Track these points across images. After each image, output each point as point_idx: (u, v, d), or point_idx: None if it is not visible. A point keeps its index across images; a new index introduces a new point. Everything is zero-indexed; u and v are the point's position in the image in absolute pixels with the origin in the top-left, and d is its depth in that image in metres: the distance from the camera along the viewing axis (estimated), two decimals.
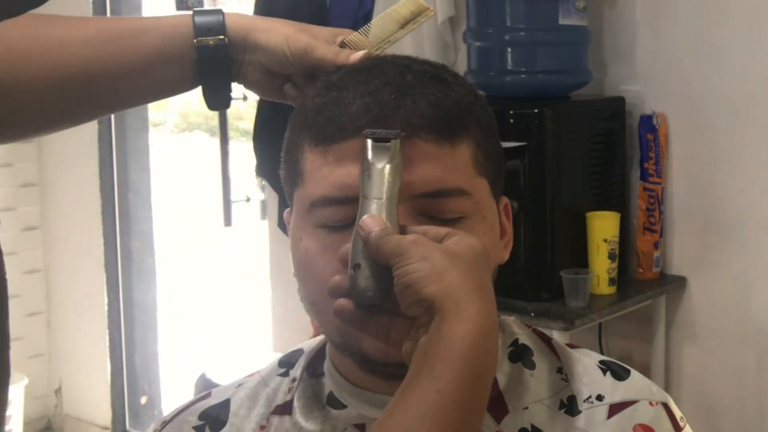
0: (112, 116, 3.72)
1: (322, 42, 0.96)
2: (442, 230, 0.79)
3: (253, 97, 3.14)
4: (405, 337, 0.76)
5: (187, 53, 0.96)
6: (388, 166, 0.80)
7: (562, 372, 0.94)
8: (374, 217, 0.78)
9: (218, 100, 1.00)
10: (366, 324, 0.78)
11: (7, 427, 3.67)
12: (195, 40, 0.95)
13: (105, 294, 3.83)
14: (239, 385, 1.00)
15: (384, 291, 0.76)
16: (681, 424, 0.94)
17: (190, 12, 0.97)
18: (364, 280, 0.76)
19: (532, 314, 2.22)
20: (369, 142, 0.81)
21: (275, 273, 3.34)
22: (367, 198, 0.79)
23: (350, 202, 0.82)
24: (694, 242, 2.50)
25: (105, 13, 3.72)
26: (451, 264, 0.74)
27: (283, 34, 0.98)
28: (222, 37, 0.96)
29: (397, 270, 0.74)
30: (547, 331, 1.01)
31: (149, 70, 0.97)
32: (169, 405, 3.87)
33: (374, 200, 0.79)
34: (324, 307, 0.82)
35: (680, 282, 2.51)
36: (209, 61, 0.96)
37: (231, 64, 0.97)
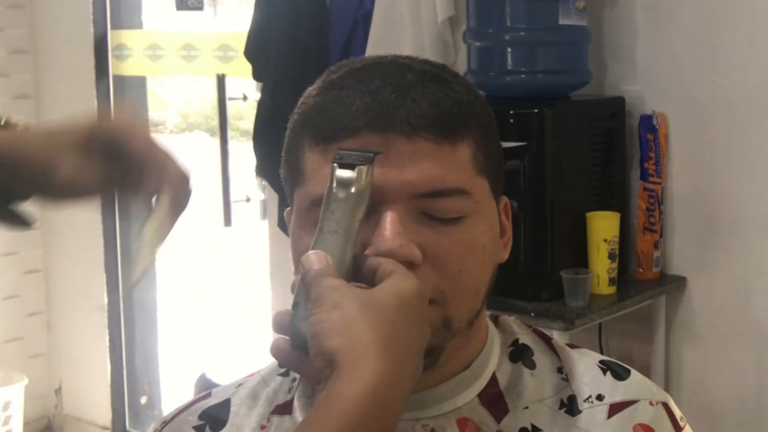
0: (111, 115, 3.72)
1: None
2: (387, 268, 0.77)
3: (253, 97, 3.14)
4: None
5: None
6: (349, 195, 0.78)
7: (563, 372, 0.94)
8: (318, 254, 0.76)
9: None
10: (301, 366, 0.75)
11: (7, 427, 3.67)
12: None
13: (105, 294, 3.83)
14: (239, 385, 0.99)
15: None
16: (681, 424, 0.94)
17: None
18: (299, 322, 0.74)
19: (532, 314, 2.22)
20: (335, 167, 0.79)
21: (275, 273, 3.34)
22: (321, 231, 0.78)
23: None
24: (694, 242, 2.50)
25: (105, 12, 3.72)
26: (362, 315, 0.71)
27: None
28: None
29: (311, 317, 0.72)
30: (547, 331, 1.01)
31: None
32: (169, 405, 3.87)
33: (328, 233, 0.77)
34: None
35: (680, 282, 2.51)
36: None
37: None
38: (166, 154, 0.87)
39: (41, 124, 0.89)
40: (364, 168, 0.78)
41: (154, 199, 0.88)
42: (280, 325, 0.76)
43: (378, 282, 0.76)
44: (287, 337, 0.75)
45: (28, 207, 0.92)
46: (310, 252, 0.76)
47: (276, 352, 0.76)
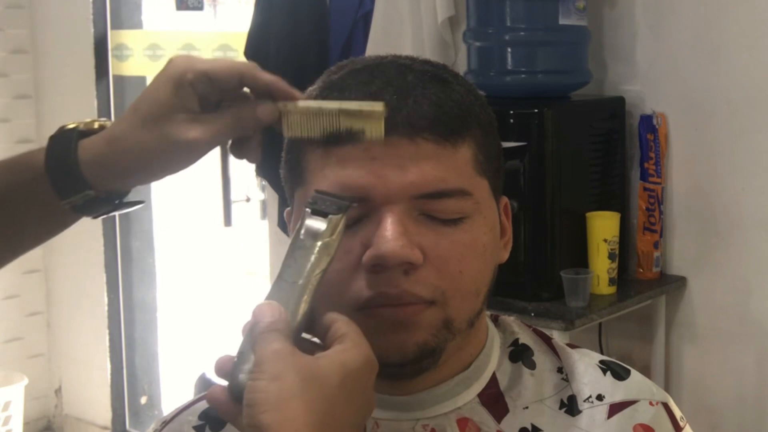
0: (112, 116, 3.72)
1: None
2: (340, 330, 0.74)
3: None
4: None
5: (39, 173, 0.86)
6: (317, 245, 0.76)
7: (563, 372, 0.94)
8: (272, 305, 0.74)
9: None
10: (236, 418, 0.72)
11: (7, 427, 3.67)
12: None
13: (105, 294, 3.83)
14: None
15: None
16: (681, 424, 0.94)
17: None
18: (240, 374, 0.72)
19: (532, 314, 2.22)
20: (306, 212, 0.77)
21: (275, 273, 3.34)
22: (280, 278, 0.76)
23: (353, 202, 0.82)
24: (694, 242, 2.50)
25: (105, 12, 3.72)
26: (302, 390, 0.69)
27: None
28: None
29: (248, 383, 0.70)
30: (547, 331, 1.01)
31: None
32: (169, 405, 3.87)
33: (286, 283, 0.75)
34: (324, 308, 0.82)
35: (680, 282, 2.51)
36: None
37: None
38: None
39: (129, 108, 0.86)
40: (336, 218, 0.77)
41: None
42: (221, 371, 0.74)
43: (328, 343, 0.75)
44: (224, 385, 0.73)
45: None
46: (264, 302, 0.75)
47: (212, 401, 0.74)
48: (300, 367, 0.70)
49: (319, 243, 0.76)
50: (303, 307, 0.75)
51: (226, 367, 0.74)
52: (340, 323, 0.76)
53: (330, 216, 0.77)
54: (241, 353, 0.73)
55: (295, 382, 0.69)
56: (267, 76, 0.84)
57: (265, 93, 0.84)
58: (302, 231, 0.77)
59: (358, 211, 0.82)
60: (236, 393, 0.71)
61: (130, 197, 0.92)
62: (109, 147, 0.85)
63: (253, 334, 0.73)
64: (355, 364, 0.73)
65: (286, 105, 0.83)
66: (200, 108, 0.84)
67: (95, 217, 0.91)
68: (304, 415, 0.68)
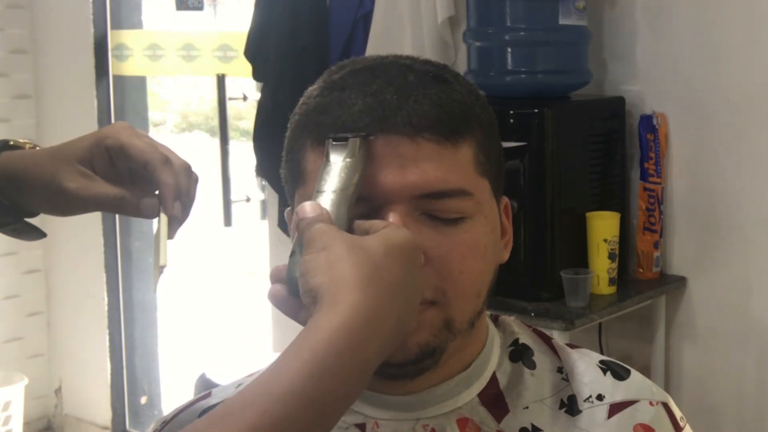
0: (112, 115, 3.72)
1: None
2: (380, 224, 0.78)
3: (253, 97, 3.14)
4: None
5: None
6: (342, 162, 0.80)
7: (563, 371, 0.94)
8: (314, 204, 0.77)
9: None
10: (296, 311, 0.76)
11: (7, 427, 3.67)
12: None
13: (105, 294, 3.83)
14: (239, 385, 0.99)
15: None
16: (681, 424, 0.94)
17: None
18: (294, 267, 0.76)
19: (532, 314, 2.22)
20: (329, 141, 0.82)
21: None
22: (318, 191, 0.80)
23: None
24: (694, 242, 2.50)
25: (105, 12, 3.71)
26: (348, 255, 0.73)
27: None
28: None
29: (302, 258, 0.74)
30: (547, 331, 1.01)
31: None
32: (169, 405, 3.87)
33: (323, 193, 0.79)
34: None
35: (680, 282, 2.51)
36: None
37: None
38: (166, 148, 0.93)
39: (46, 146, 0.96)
40: (356, 140, 0.81)
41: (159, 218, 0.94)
42: (277, 276, 0.77)
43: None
44: (283, 285, 0.77)
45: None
46: (306, 202, 0.77)
47: (272, 298, 0.77)
48: (345, 239, 0.74)
49: (346, 160, 0.80)
50: (343, 211, 0.78)
51: (281, 272, 0.77)
52: (378, 222, 0.79)
53: (351, 138, 0.81)
54: (293, 252, 0.76)
55: (341, 249, 0.73)
56: (163, 177, 0.91)
57: (160, 190, 0.91)
58: (328, 155, 0.81)
59: (359, 210, 0.82)
60: (293, 287, 0.75)
61: (37, 223, 1.00)
62: (21, 162, 0.94)
63: (299, 229, 0.76)
64: (397, 240, 0.76)
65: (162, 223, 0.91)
66: (113, 173, 0.92)
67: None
68: (350, 274, 0.71)
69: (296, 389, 0.67)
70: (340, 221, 0.78)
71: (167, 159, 0.92)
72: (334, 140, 0.81)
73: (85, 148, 0.91)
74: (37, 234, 1.00)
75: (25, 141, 0.98)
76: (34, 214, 0.98)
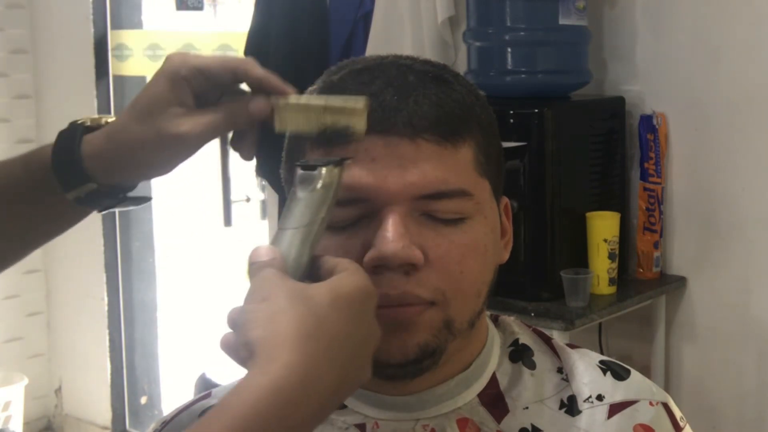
0: (111, 114, 3.72)
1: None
2: (341, 266, 0.74)
3: None
4: None
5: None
6: (309, 194, 0.76)
7: (563, 372, 0.94)
8: (268, 248, 0.74)
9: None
10: (245, 360, 0.71)
11: (7, 427, 3.67)
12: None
13: (105, 294, 3.83)
14: None
15: None
16: (681, 424, 0.94)
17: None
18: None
19: (532, 314, 2.22)
20: (298, 170, 0.78)
21: None
22: (280, 228, 0.76)
23: (354, 202, 0.82)
24: (694, 242, 2.50)
25: (105, 12, 3.72)
26: (291, 306, 0.69)
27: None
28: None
29: (243, 307, 0.71)
30: (547, 331, 1.01)
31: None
32: (169, 405, 3.87)
33: (285, 231, 0.76)
34: None
35: (680, 282, 2.51)
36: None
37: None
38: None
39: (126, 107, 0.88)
40: (326, 168, 0.77)
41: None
42: (233, 321, 0.74)
43: (324, 278, 0.75)
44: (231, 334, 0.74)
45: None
46: (260, 246, 0.75)
47: (223, 346, 0.74)
48: (289, 289, 0.71)
49: (314, 188, 0.77)
50: (306, 251, 0.75)
51: (235, 315, 0.74)
52: (342, 263, 0.75)
53: (319, 168, 0.77)
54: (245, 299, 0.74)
55: (283, 300, 0.70)
56: (259, 72, 0.85)
57: (258, 88, 0.86)
58: (296, 186, 0.78)
59: (359, 211, 0.82)
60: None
61: (139, 193, 0.94)
62: (108, 141, 0.88)
63: (248, 274, 0.74)
64: (346, 288, 0.72)
65: (278, 100, 0.84)
66: (197, 103, 0.86)
67: (100, 211, 0.94)
68: (288, 330, 0.68)
69: None
70: (300, 259, 0.75)
71: (242, 58, 0.87)
72: (302, 168, 0.78)
73: (168, 91, 0.85)
74: (143, 199, 0.95)
75: (99, 116, 0.92)
76: (132, 186, 0.93)
